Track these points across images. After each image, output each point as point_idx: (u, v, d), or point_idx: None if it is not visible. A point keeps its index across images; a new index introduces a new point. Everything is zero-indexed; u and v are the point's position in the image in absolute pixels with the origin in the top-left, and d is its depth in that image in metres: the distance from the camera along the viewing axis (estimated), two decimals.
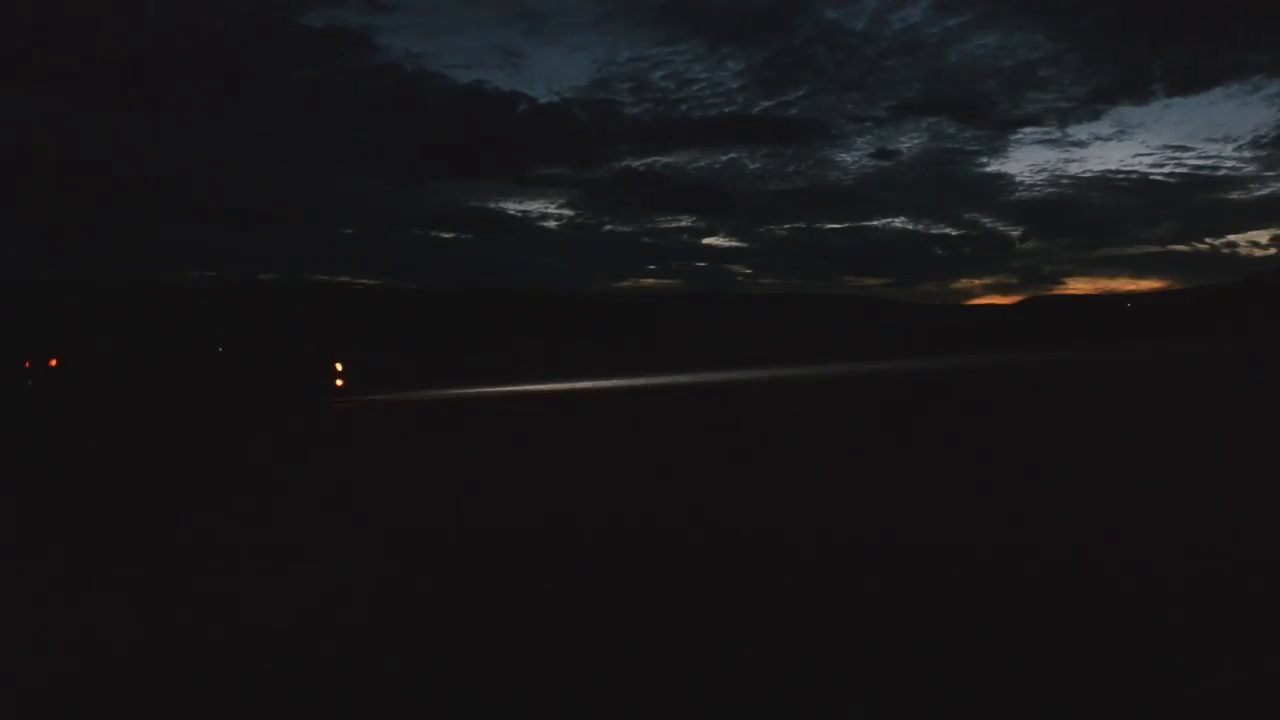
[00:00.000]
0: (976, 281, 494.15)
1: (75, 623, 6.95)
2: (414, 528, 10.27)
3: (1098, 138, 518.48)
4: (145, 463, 19.62)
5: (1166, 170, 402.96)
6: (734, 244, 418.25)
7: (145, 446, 23.82)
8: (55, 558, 9.60)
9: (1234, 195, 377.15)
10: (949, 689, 4.81)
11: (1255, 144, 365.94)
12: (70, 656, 6.16)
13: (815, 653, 5.44)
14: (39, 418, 36.95)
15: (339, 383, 49.42)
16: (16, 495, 14.97)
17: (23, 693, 5.54)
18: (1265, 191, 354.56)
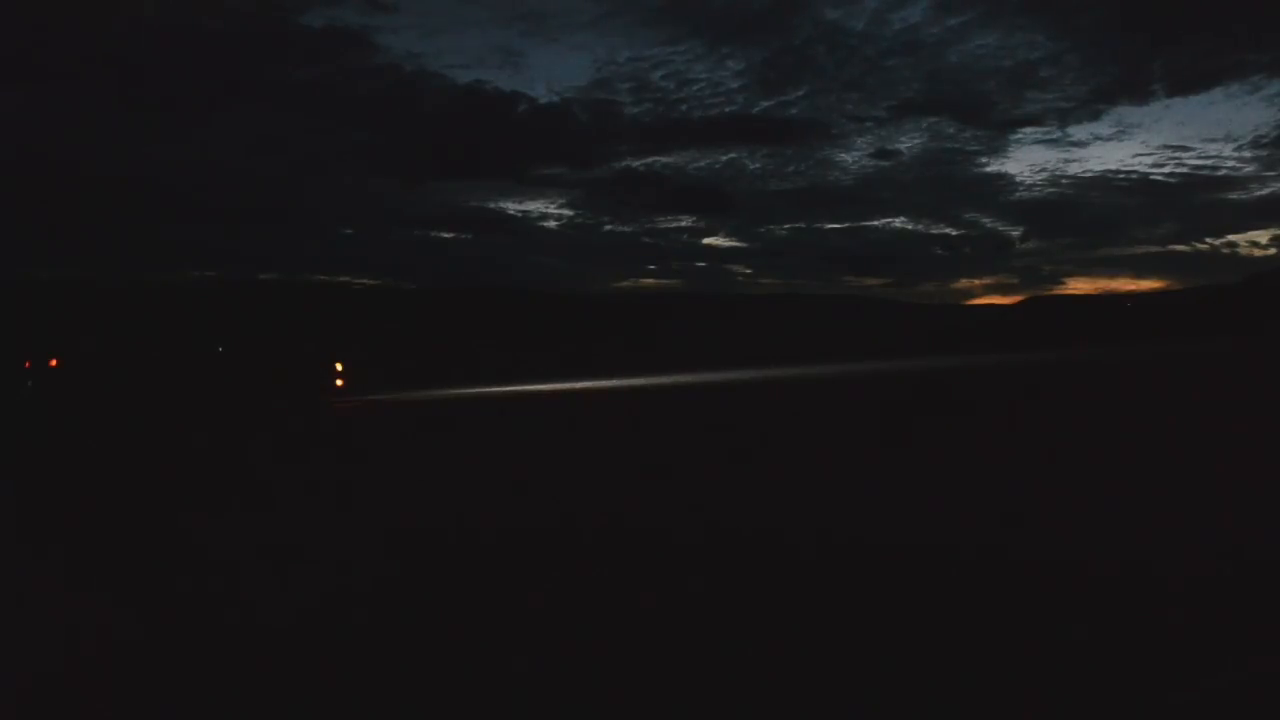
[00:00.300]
0: (976, 281, 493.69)
1: (74, 622, 6.95)
2: (413, 528, 10.27)
3: (1098, 138, 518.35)
4: (145, 462, 19.63)
5: (1166, 170, 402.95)
6: (734, 244, 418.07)
7: (145, 446, 23.84)
8: (55, 557, 9.60)
9: (1234, 195, 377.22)
10: (948, 689, 4.81)
11: (1255, 144, 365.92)
12: (69, 656, 6.16)
13: (813, 652, 5.44)
14: (39, 417, 36.96)
15: (339, 383, 49.45)
16: (16, 495, 14.98)
17: (22, 693, 5.54)
18: (1265, 191, 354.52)
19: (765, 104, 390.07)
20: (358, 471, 16.37)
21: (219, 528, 10.87)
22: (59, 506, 13.37)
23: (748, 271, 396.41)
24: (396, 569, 8.23)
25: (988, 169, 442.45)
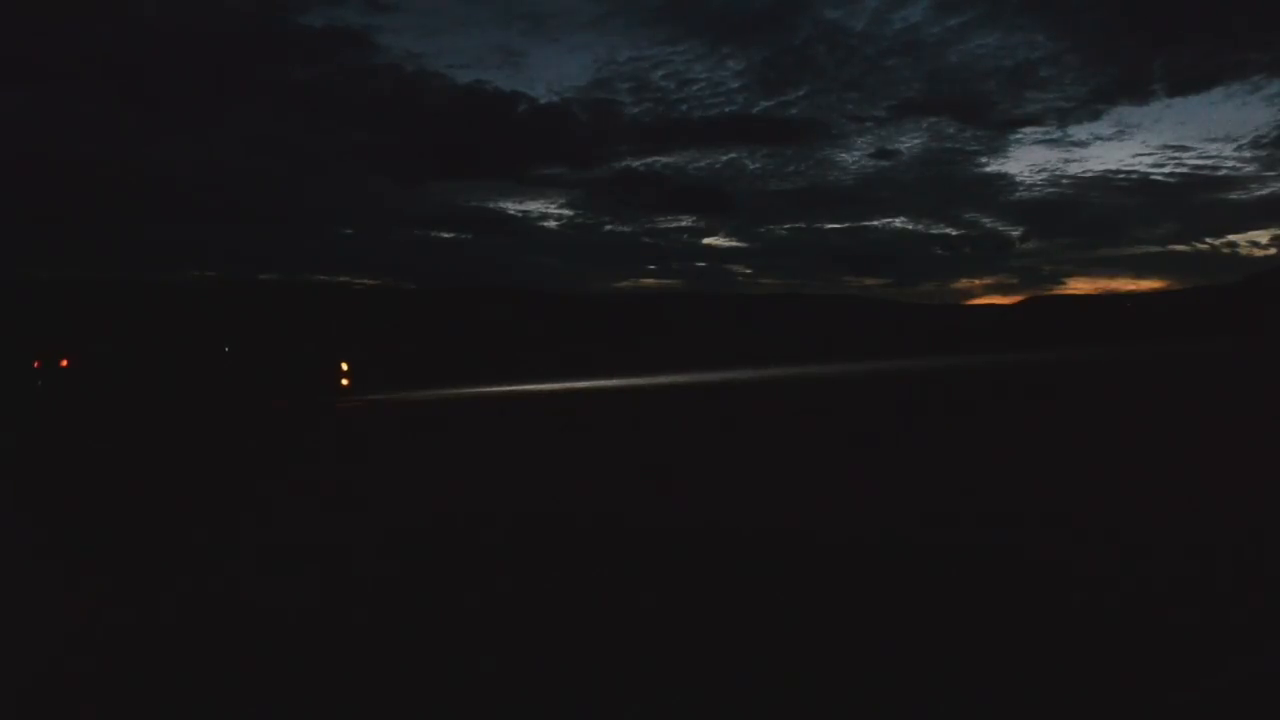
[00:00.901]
0: (976, 281, 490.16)
1: (79, 619, 6.98)
2: (416, 528, 10.30)
3: (1098, 138, 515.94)
4: (153, 462, 19.66)
5: (1166, 170, 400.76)
6: (734, 244, 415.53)
7: (156, 445, 23.88)
8: (61, 556, 9.63)
9: (1234, 195, 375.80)
10: (947, 689, 4.82)
11: (1255, 144, 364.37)
12: (73, 653, 6.18)
13: (812, 653, 5.46)
14: (50, 418, 37.15)
15: (345, 382, 49.56)
16: (25, 495, 15.01)
17: (23, 691, 5.56)
18: (1265, 191, 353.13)
19: (765, 104, 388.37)
20: (368, 469, 16.41)
21: (225, 526, 10.89)
22: (68, 506, 13.40)
23: (748, 271, 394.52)
24: (398, 568, 8.26)
25: (988, 169, 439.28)
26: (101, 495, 14.35)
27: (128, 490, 14.80)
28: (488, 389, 59.35)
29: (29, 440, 28.13)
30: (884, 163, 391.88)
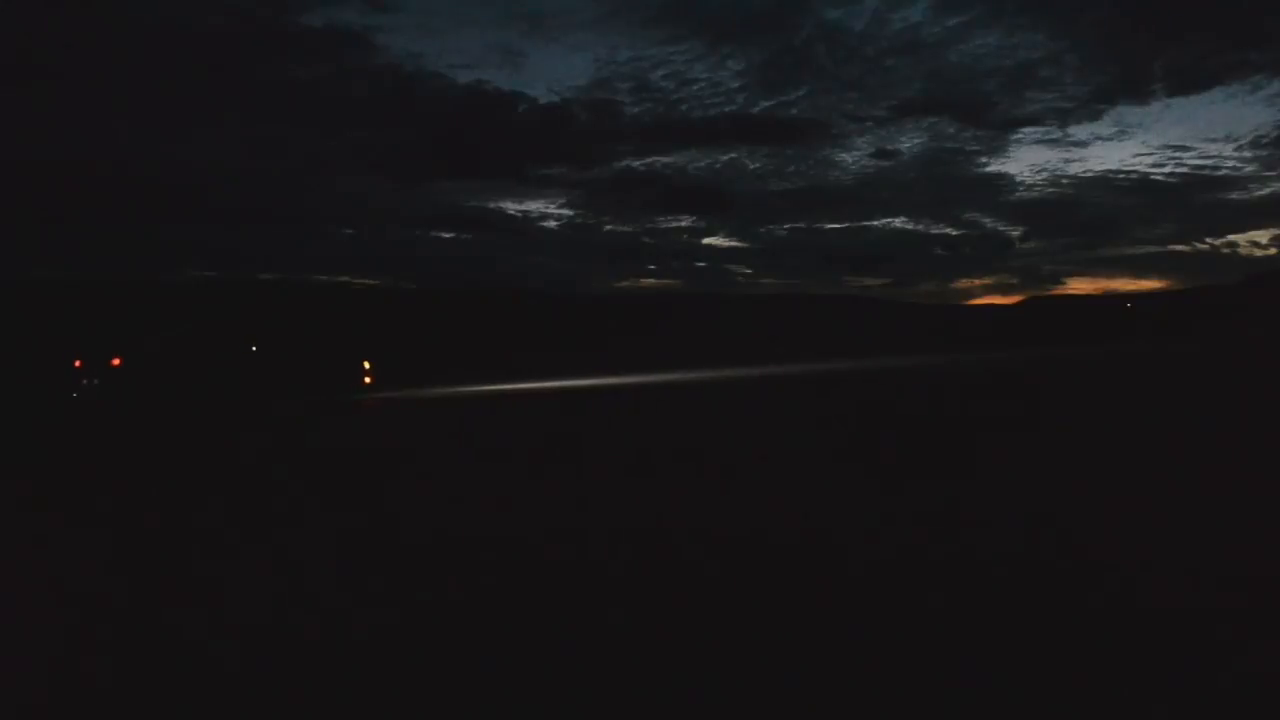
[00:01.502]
0: (976, 281, 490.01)
1: (82, 615, 6.99)
2: (422, 527, 10.32)
3: (1098, 138, 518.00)
4: (180, 458, 19.71)
5: (1166, 170, 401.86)
6: (734, 244, 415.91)
7: (180, 442, 23.99)
8: (66, 556, 9.64)
9: (1234, 195, 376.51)
10: (949, 689, 4.83)
11: (1255, 144, 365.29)
12: (75, 646, 6.20)
13: (811, 660, 5.47)
14: (108, 413, 37.77)
15: (368, 380, 50.51)
16: (46, 491, 15.04)
17: (20, 686, 5.57)
18: (1265, 191, 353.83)
19: (765, 104, 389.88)
20: (373, 468, 16.43)
21: (241, 524, 10.91)
22: (85, 502, 13.44)
23: (748, 271, 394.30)
24: (403, 568, 8.27)
25: (988, 169, 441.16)
26: (151, 485, 14.39)
27: (174, 484, 14.86)
28: (488, 388, 59.42)
29: (88, 433, 28.48)
30: (884, 163, 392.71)
